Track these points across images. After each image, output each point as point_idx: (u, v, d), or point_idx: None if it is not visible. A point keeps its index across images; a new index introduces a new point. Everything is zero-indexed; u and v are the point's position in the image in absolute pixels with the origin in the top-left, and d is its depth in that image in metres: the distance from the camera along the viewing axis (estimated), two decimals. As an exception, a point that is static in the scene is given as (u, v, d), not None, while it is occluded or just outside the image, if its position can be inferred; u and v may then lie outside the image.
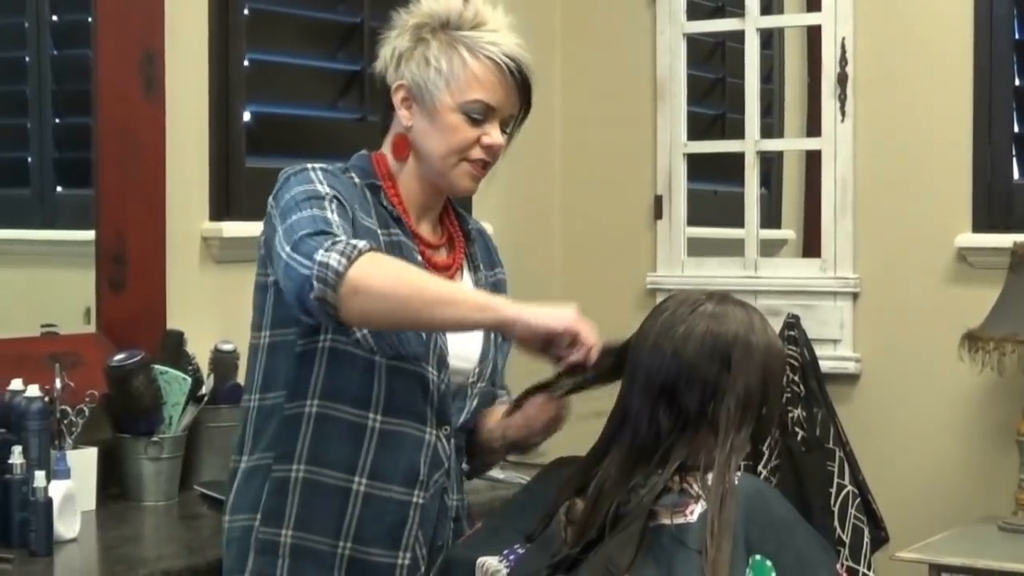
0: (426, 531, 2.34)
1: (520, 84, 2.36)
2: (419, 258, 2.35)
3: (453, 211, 2.49)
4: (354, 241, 2.13)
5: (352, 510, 2.30)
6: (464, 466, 2.46)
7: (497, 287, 2.51)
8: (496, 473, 3.29)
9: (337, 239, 2.13)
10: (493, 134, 2.34)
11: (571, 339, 2.15)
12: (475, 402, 2.41)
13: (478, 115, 2.33)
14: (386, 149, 2.42)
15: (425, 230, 2.41)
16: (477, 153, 2.35)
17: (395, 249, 2.32)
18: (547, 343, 2.15)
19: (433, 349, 2.32)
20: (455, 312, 2.14)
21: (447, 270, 2.42)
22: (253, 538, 2.33)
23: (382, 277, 2.10)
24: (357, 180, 2.36)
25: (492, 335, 2.44)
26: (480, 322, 2.19)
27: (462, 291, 2.23)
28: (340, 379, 2.29)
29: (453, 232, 2.47)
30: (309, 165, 2.31)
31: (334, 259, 2.09)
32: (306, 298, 2.11)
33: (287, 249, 2.15)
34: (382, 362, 2.29)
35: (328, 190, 2.25)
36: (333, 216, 2.20)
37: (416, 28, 2.36)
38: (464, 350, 2.39)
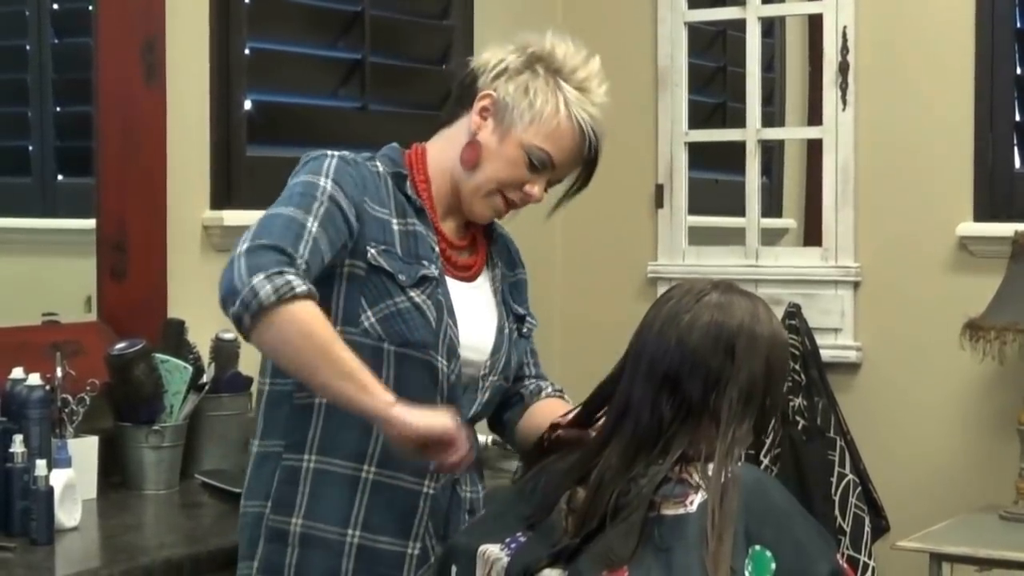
0: (437, 522, 2.35)
1: (588, 158, 2.39)
2: (436, 249, 2.35)
3: None
4: (295, 281, 2.12)
5: (361, 498, 2.30)
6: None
7: (516, 287, 2.53)
8: (499, 462, 3.30)
9: (284, 271, 2.12)
10: (538, 187, 2.38)
11: (447, 443, 2.14)
12: (487, 395, 2.41)
13: (539, 164, 2.35)
14: (434, 143, 2.42)
15: (450, 229, 2.42)
16: (514, 195, 2.38)
17: (410, 238, 2.32)
18: (422, 444, 2.14)
19: (443, 339, 2.33)
20: (344, 389, 2.14)
21: (468, 270, 2.43)
22: (264, 525, 2.34)
23: (297, 328, 2.12)
24: (381, 168, 2.36)
25: (506, 328, 2.44)
26: (362, 406, 2.15)
27: (361, 373, 2.16)
28: None
29: (477, 233, 2.48)
30: (330, 152, 2.32)
31: (265, 292, 2.10)
32: (226, 307, 2.14)
33: (245, 245, 2.16)
34: (391, 350, 2.29)
35: (329, 187, 2.25)
36: (313, 226, 2.20)
37: (533, 57, 2.37)
38: (476, 341, 2.39)
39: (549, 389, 2.52)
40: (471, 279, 2.43)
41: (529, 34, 2.41)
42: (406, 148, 2.44)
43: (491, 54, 2.40)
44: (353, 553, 2.31)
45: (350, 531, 2.31)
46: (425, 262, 2.33)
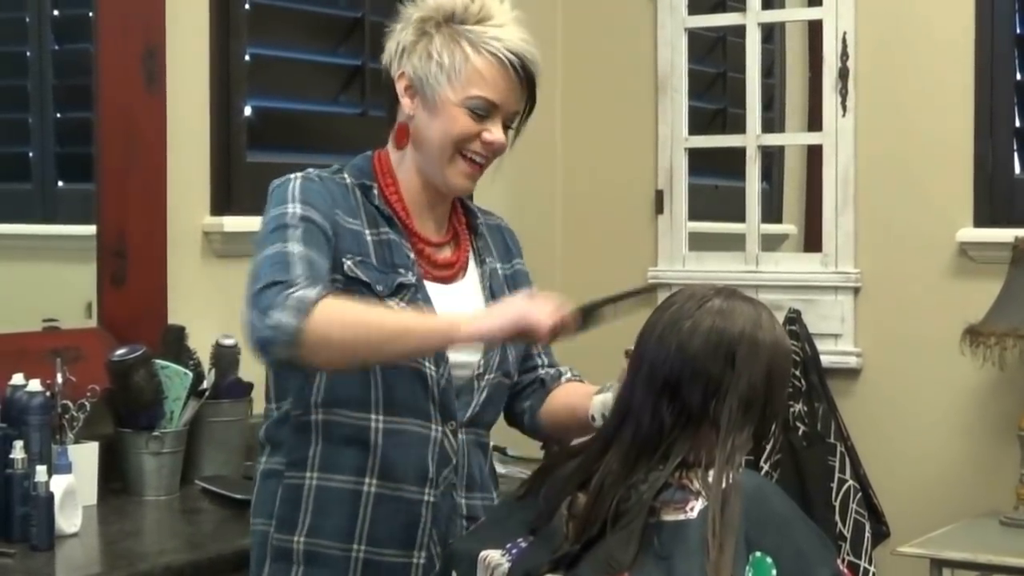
0: (440, 529, 2.34)
1: (524, 81, 2.34)
2: (411, 255, 2.34)
3: (462, 207, 2.48)
4: (304, 292, 2.13)
5: (364, 512, 2.30)
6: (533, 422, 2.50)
7: (516, 278, 2.50)
8: (498, 468, 3.30)
9: (288, 293, 2.13)
10: (494, 131, 2.33)
11: (525, 332, 2.16)
12: (484, 395, 2.40)
13: (480, 111, 2.32)
14: (390, 145, 2.41)
15: (428, 228, 2.40)
16: (476, 147, 2.33)
17: (384, 247, 2.32)
18: (509, 340, 2.17)
19: None
20: (408, 344, 2.18)
21: (450, 268, 2.41)
22: (268, 544, 2.33)
23: (334, 327, 2.13)
24: (349, 180, 2.35)
25: None
26: (437, 346, 2.23)
27: (414, 321, 2.21)
28: (339, 385, 2.29)
29: (459, 228, 2.46)
30: (292, 176, 2.31)
31: (287, 318, 2.11)
32: (271, 358, 2.17)
33: (247, 302, 2.17)
34: (377, 364, 2.27)
35: (298, 210, 2.25)
36: (296, 248, 2.20)
37: (420, 22, 2.35)
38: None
39: (568, 375, 2.52)
40: (453, 278, 2.40)
41: (415, 9, 2.38)
42: (377, 150, 2.42)
43: (390, 42, 2.38)
44: (359, 568, 2.30)
45: (355, 546, 2.30)
46: (401, 270, 2.31)
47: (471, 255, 2.45)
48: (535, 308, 2.16)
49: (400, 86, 2.35)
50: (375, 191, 2.36)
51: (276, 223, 2.25)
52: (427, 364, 2.31)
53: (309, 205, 2.26)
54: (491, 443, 2.48)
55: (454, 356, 2.34)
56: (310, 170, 2.34)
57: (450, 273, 2.40)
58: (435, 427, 2.33)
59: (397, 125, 2.38)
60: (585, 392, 2.41)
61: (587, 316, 2.22)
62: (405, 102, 2.35)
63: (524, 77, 2.34)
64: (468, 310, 2.32)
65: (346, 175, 2.36)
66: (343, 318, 2.14)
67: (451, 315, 2.22)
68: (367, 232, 2.32)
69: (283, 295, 2.13)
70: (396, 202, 2.37)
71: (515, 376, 2.47)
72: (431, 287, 2.35)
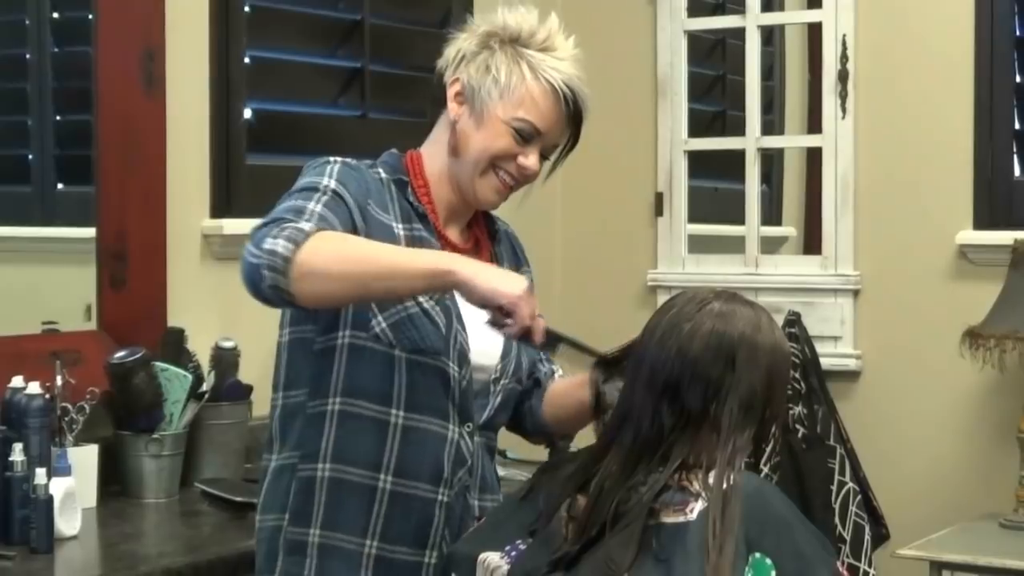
0: (452, 530, 2.34)
1: (572, 115, 2.38)
2: None
3: (483, 213, 2.48)
4: (302, 224, 2.13)
5: (378, 508, 2.29)
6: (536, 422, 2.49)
7: None
8: (498, 470, 3.30)
9: (286, 224, 2.12)
10: (531, 157, 2.35)
11: (508, 311, 2.13)
12: (499, 399, 2.40)
13: (524, 134, 2.33)
14: (426, 147, 2.42)
15: (453, 233, 2.41)
16: (510, 168, 2.35)
17: (415, 244, 2.32)
18: (486, 305, 2.14)
19: (453, 345, 2.32)
20: (403, 283, 2.15)
21: None
22: (282, 538, 2.32)
23: (329, 256, 2.10)
24: (384, 175, 2.36)
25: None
26: (429, 288, 2.19)
27: (410, 257, 2.19)
28: (361, 375, 2.28)
29: (480, 235, 2.47)
30: (332, 158, 2.32)
31: (281, 246, 2.09)
32: (260, 287, 2.12)
33: (250, 234, 2.16)
34: (402, 356, 2.28)
35: (332, 183, 2.25)
36: (314, 206, 2.19)
37: (486, 35, 2.36)
38: (485, 347, 2.38)
39: (560, 371, 2.52)
40: None
41: (482, 17, 2.40)
42: (403, 153, 2.43)
43: (450, 48, 2.40)
44: (371, 564, 2.30)
45: (368, 541, 2.29)
46: None
47: (491, 261, 2.45)
48: (527, 301, 2.14)
49: (452, 91, 2.36)
50: (410, 187, 2.37)
51: (305, 186, 2.24)
52: (450, 364, 2.31)
53: (343, 186, 2.26)
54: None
55: (475, 359, 2.35)
56: (349, 159, 2.34)
57: None
58: (452, 427, 2.33)
59: (453, 129, 2.37)
60: (583, 379, 2.40)
61: (551, 339, 2.22)
62: (452, 107, 2.36)
63: (573, 112, 2.38)
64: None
65: (380, 170, 2.37)
66: (336, 249, 2.12)
67: (450, 257, 2.17)
68: (399, 227, 2.32)
69: (279, 227, 2.12)
70: (427, 203, 2.38)
71: (524, 383, 2.48)
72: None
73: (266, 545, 2.36)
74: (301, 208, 2.18)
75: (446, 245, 2.37)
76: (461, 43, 2.38)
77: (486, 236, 2.48)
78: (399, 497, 2.30)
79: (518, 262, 2.54)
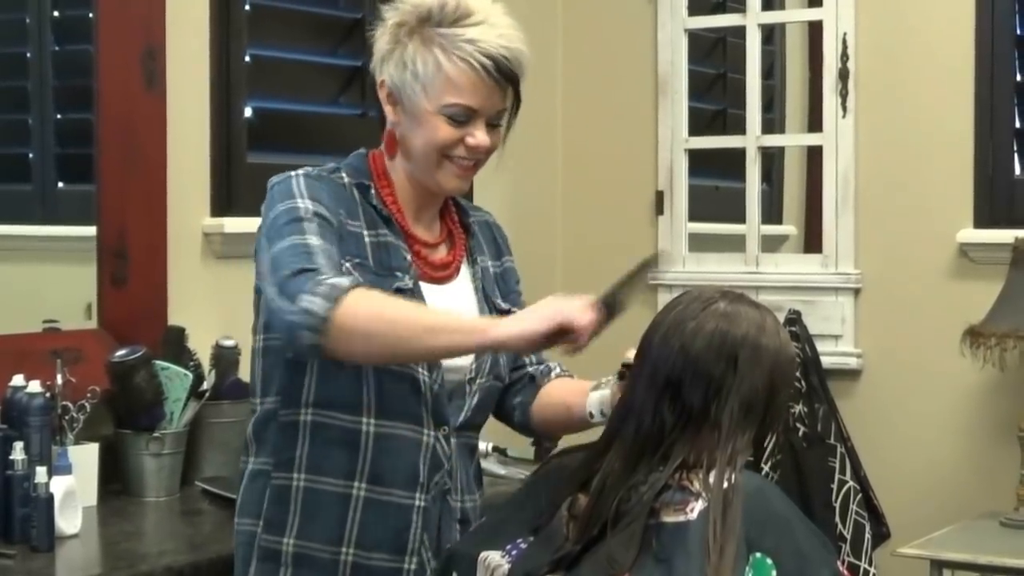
0: (431, 534, 2.33)
1: (502, 81, 2.29)
2: (408, 258, 2.33)
3: (455, 205, 2.47)
4: (336, 280, 2.12)
5: (353, 516, 2.28)
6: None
7: (506, 276, 2.50)
8: (497, 469, 3.30)
9: (320, 280, 2.12)
10: (477, 135, 2.29)
11: (565, 329, 2.11)
12: (476, 399, 2.39)
13: (459, 117, 2.28)
14: (383, 146, 2.41)
15: (422, 229, 2.39)
16: (461, 152, 2.30)
17: (381, 250, 2.30)
18: (547, 341, 2.13)
19: None
20: (438, 342, 2.14)
21: (446, 268, 2.40)
22: (256, 545, 2.33)
23: (366, 317, 2.10)
24: (347, 179, 2.34)
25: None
26: (470, 347, 2.19)
27: (448, 319, 2.19)
28: (331, 386, 2.28)
29: (453, 228, 2.45)
30: (292, 173, 2.29)
31: (318, 304, 2.09)
32: (299, 346, 2.13)
33: (274, 289, 2.16)
34: (369, 366, 2.26)
35: (309, 205, 2.23)
36: (315, 241, 2.19)
37: (396, 27, 2.30)
38: None
39: (558, 370, 2.51)
40: (448, 278, 2.40)
41: (394, 12, 2.33)
42: (372, 150, 2.41)
43: (374, 48, 2.34)
44: (348, 572, 2.29)
45: (343, 549, 2.28)
46: (398, 273, 2.30)
47: (464, 254, 2.44)
48: (571, 306, 2.12)
49: (382, 94, 2.33)
50: (373, 191, 2.35)
51: (289, 216, 2.22)
52: (420, 369, 2.30)
53: (317, 201, 2.25)
54: (480, 443, 2.48)
55: (447, 361, 2.33)
56: (308, 168, 2.32)
57: (446, 274, 2.40)
58: (427, 432, 2.31)
59: (386, 132, 2.36)
60: (580, 388, 2.40)
61: (610, 307, 2.18)
62: (388, 110, 2.33)
63: (501, 78, 2.28)
64: (463, 310, 2.31)
65: (344, 174, 2.35)
66: (374, 309, 2.11)
67: (484, 319, 2.18)
68: (366, 233, 2.31)
69: (313, 281, 2.11)
70: (392, 203, 2.36)
71: (507, 379, 2.47)
72: (426, 288, 2.34)
73: (242, 550, 2.37)
74: (305, 248, 2.17)
75: (415, 244, 2.36)
76: (378, 40, 2.33)
77: (459, 228, 2.46)
78: (374, 504, 2.29)
79: (499, 252, 2.51)
